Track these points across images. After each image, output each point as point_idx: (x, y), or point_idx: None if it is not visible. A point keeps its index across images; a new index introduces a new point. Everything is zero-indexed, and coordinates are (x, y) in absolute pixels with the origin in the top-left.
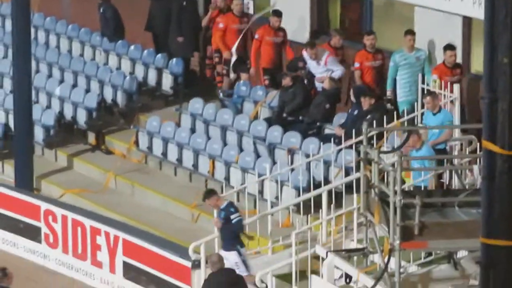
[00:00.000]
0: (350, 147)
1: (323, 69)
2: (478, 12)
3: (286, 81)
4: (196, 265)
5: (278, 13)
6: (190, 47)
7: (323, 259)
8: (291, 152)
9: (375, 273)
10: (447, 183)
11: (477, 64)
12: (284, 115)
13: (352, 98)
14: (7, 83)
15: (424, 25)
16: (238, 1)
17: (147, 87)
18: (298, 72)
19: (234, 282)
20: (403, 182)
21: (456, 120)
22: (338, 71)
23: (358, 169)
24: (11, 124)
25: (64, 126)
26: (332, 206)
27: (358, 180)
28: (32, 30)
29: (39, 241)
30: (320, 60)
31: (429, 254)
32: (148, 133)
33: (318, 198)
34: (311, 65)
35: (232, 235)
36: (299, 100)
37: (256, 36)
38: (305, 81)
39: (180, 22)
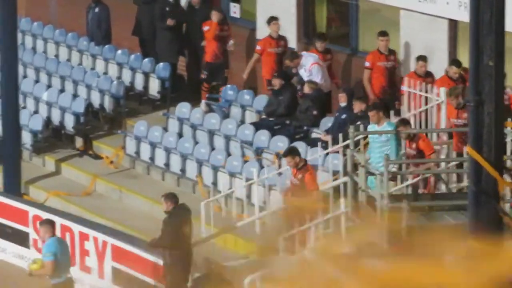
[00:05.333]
0: (337, 151)
1: (307, 76)
2: (464, 15)
3: (275, 82)
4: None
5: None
6: (175, 51)
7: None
8: (279, 156)
9: None
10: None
11: None
12: (271, 119)
13: (343, 101)
14: None
15: (410, 29)
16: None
17: (134, 92)
18: (290, 78)
19: None
20: None
21: (443, 123)
22: (317, 79)
23: (346, 173)
24: None
25: (52, 131)
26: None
27: (345, 184)
28: (19, 35)
29: (27, 247)
30: (305, 67)
31: None
32: (136, 137)
33: None
34: (300, 71)
35: None
36: (282, 108)
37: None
38: (298, 87)
39: (163, 27)
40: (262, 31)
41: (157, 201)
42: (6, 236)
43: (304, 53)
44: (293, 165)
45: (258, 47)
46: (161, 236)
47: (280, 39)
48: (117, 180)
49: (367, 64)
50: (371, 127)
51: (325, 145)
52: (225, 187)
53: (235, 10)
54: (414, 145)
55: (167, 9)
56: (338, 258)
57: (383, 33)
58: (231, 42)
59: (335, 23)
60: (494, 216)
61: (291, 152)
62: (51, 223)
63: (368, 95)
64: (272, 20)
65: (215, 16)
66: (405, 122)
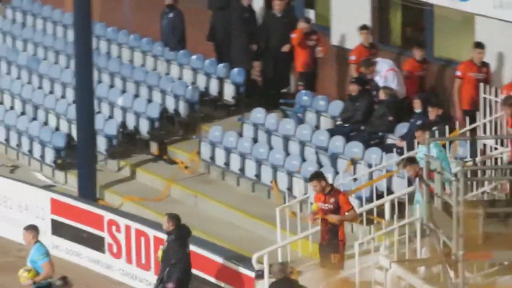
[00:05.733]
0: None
1: (382, 82)
2: None
3: (352, 88)
4: (259, 275)
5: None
6: (249, 57)
7: (386, 270)
8: (354, 162)
9: (438, 283)
10: None
11: None
12: (346, 125)
13: (418, 107)
14: (70, 93)
15: (485, 35)
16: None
17: (209, 97)
18: (367, 84)
19: None
20: None
21: None
22: (393, 85)
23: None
24: (74, 134)
25: (127, 136)
26: (395, 216)
27: None
28: (94, 40)
29: (103, 251)
30: (381, 73)
31: (493, 264)
32: (211, 143)
33: (381, 208)
34: (376, 78)
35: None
36: (359, 115)
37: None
38: (374, 93)
39: (240, 33)
40: (337, 36)
41: (232, 206)
42: (81, 241)
43: (379, 59)
44: (319, 189)
45: (352, 57)
46: (176, 264)
47: (372, 48)
48: (192, 185)
49: (458, 73)
50: (420, 147)
51: (400, 151)
52: (300, 193)
53: (309, 16)
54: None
55: (246, 15)
56: None
57: (480, 45)
58: (318, 48)
59: (410, 29)
60: None
61: (317, 176)
62: (36, 229)
63: (455, 104)
64: (362, 28)
65: (301, 24)
66: (412, 161)
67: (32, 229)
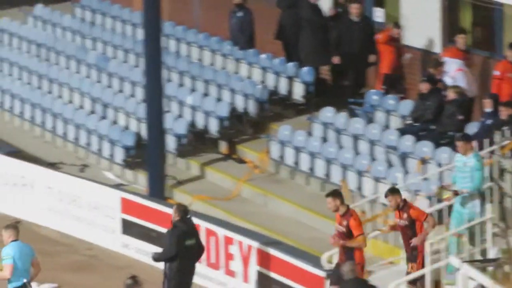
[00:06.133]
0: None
1: (451, 82)
2: None
3: (423, 87)
4: (329, 274)
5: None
6: (323, 57)
7: (457, 270)
8: (424, 161)
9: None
10: None
11: None
12: (415, 124)
13: (489, 106)
14: (139, 92)
15: None
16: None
17: (278, 96)
18: (437, 83)
19: None
20: None
21: None
22: (462, 84)
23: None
24: (143, 133)
25: (196, 135)
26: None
27: (491, 189)
28: (163, 39)
29: None
30: (449, 73)
31: None
32: (280, 142)
33: (451, 208)
34: (445, 78)
35: None
36: (429, 114)
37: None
38: (443, 92)
39: (309, 31)
40: (407, 35)
41: (301, 205)
42: (151, 240)
43: (447, 59)
44: (333, 207)
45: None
46: (164, 249)
47: (466, 52)
48: (261, 184)
49: None
50: (459, 157)
51: None
52: (369, 192)
53: (379, 15)
54: (405, 215)
55: (314, 13)
56: None
57: None
58: (408, 55)
59: (480, 27)
60: None
61: (333, 194)
62: (15, 228)
63: None
64: (460, 32)
65: (392, 29)
66: (393, 191)
67: (11, 228)
